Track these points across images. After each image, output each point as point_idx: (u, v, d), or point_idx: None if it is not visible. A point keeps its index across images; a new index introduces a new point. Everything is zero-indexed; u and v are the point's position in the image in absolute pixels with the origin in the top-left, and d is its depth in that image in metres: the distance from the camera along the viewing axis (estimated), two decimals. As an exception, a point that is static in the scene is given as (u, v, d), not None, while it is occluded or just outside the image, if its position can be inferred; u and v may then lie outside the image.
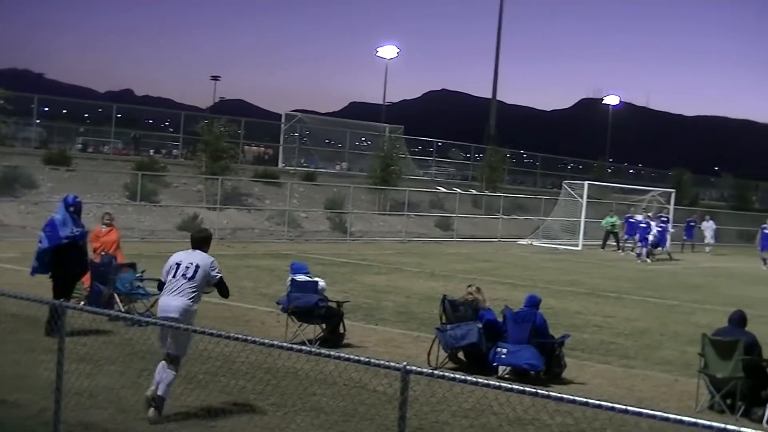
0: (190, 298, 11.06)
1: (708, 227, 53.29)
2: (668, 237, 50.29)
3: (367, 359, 7.37)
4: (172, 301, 11.01)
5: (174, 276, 11.15)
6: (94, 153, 57.26)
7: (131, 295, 17.40)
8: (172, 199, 42.06)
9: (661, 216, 50.46)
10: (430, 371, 7.27)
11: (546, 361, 14.19)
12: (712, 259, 48.60)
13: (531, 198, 60.02)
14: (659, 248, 45.85)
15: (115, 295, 17.09)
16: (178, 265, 11.22)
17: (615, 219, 49.83)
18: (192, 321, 10.93)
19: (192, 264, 11.19)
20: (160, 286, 11.45)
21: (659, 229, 43.97)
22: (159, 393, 10.59)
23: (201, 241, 11.69)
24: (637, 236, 44.21)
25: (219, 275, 11.47)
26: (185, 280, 11.09)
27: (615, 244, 49.31)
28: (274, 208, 44.70)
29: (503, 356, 14.15)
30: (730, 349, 12.89)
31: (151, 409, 10.56)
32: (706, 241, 53.18)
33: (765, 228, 44.56)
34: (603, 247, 49.17)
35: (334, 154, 66.52)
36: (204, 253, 11.46)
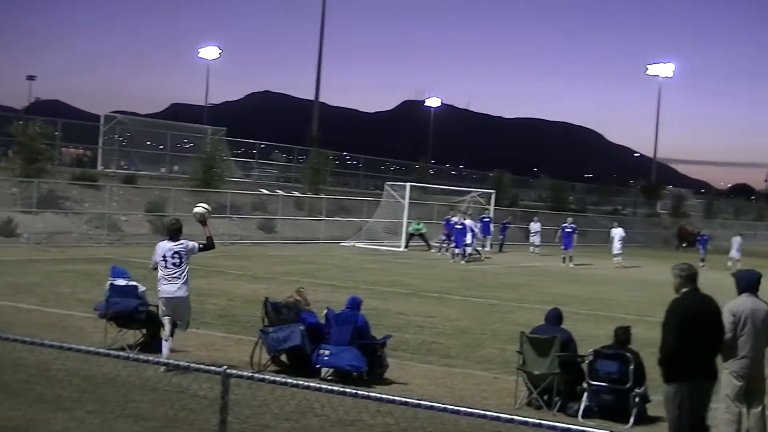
0: (184, 282, 14.50)
1: (534, 227, 54.35)
2: (490, 237, 51.58)
3: (187, 364, 7.32)
4: (172, 288, 14.36)
5: (167, 266, 14.41)
6: None
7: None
8: (-16, 203, 40.65)
9: (483, 217, 51.54)
10: (251, 374, 7.25)
11: (368, 362, 14.28)
12: (532, 258, 49.81)
13: (354, 200, 60.36)
14: (480, 248, 46.96)
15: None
16: (165, 257, 14.47)
17: (421, 226, 50.97)
18: (189, 297, 14.78)
19: (176, 253, 14.46)
20: (155, 266, 14.69)
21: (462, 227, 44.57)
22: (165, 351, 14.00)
23: (176, 232, 14.79)
24: (452, 238, 45.10)
25: (198, 246, 14.76)
26: (176, 268, 14.42)
27: (425, 244, 50.43)
28: (93, 211, 43.67)
29: (326, 358, 14.18)
30: (546, 346, 13.24)
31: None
32: (532, 240, 54.18)
33: (566, 227, 46.02)
34: (407, 247, 49.97)
35: (155, 156, 65.45)
36: (179, 241, 14.61)
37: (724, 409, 11.32)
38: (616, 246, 46.95)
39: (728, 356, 11.26)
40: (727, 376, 11.31)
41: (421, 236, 50.88)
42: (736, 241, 51.39)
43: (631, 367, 12.62)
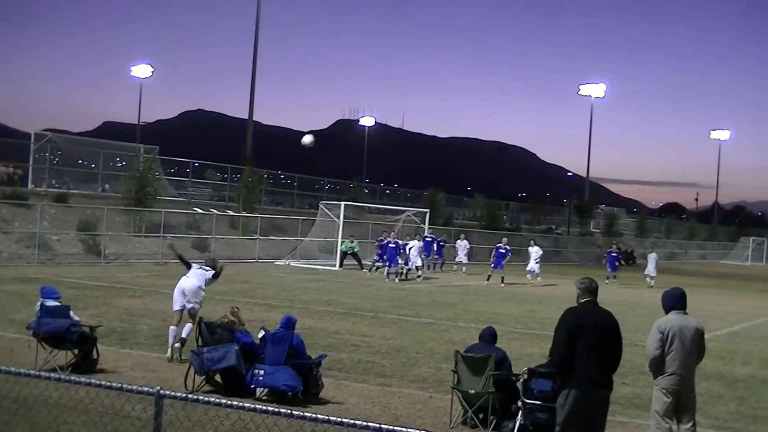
0: (200, 287, 18.12)
1: (461, 246, 54.42)
2: (429, 257, 51.47)
3: (120, 385, 7.23)
4: (188, 283, 18.11)
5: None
6: None
7: None
8: None
9: (426, 237, 51.53)
10: (184, 395, 7.19)
11: (303, 382, 14.25)
12: (467, 277, 49.88)
13: (288, 219, 60.20)
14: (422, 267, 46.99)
15: None
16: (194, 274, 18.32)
17: (354, 244, 51.01)
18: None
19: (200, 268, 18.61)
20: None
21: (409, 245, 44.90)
22: (182, 335, 17.40)
23: (213, 265, 19.02)
24: (386, 256, 45.15)
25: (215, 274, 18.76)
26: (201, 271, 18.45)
27: (357, 263, 50.48)
28: (24, 230, 43.01)
29: (260, 378, 14.12)
30: (481, 365, 13.27)
31: (177, 345, 17.31)
32: (458, 259, 54.19)
33: (500, 247, 46.18)
34: (341, 266, 49.97)
35: (88, 175, 64.74)
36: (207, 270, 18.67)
37: (654, 425, 11.51)
38: (532, 264, 47.16)
39: (657, 373, 11.46)
40: (657, 393, 11.50)
41: (354, 255, 50.92)
42: (653, 258, 52.18)
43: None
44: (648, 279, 50.99)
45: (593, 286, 10.99)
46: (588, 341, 10.43)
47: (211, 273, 18.48)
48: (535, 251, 47.41)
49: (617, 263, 52.94)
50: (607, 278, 49.92)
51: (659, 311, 11.83)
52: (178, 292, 17.94)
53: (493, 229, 78.07)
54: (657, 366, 11.50)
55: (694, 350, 11.50)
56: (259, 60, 75.53)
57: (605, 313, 10.89)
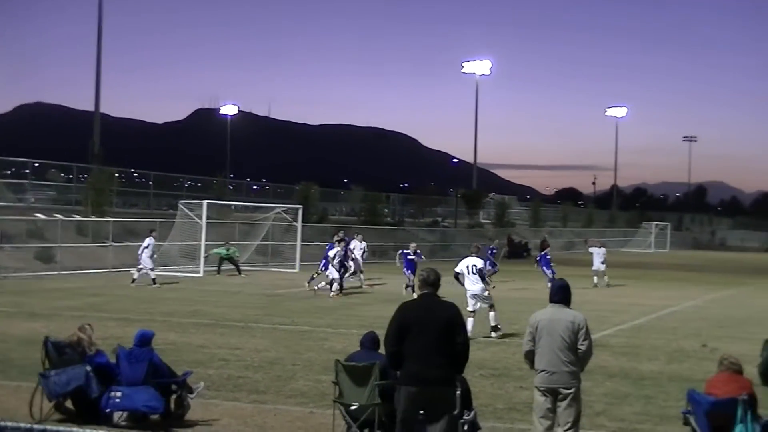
0: (481, 285, 25.60)
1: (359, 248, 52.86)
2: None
3: (-47, 418, 7.07)
4: (473, 287, 25.53)
5: (468, 273, 25.57)
6: None
7: None
8: None
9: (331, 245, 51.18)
10: (29, 426, 7.05)
11: (166, 403, 14.09)
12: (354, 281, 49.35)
13: (144, 221, 59.40)
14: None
15: None
16: (468, 267, 25.71)
17: (232, 250, 50.75)
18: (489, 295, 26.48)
19: (474, 266, 25.80)
20: (456, 277, 25.94)
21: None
22: (493, 323, 25.95)
23: (478, 252, 27.49)
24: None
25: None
26: (473, 274, 25.54)
27: (235, 268, 50.09)
28: None
29: (117, 400, 13.90)
30: (364, 374, 13.21)
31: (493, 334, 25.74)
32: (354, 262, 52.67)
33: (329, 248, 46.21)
34: (218, 272, 49.68)
35: None
36: (479, 258, 26.50)
37: (532, 430, 11.87)
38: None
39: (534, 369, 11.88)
40: (534, 393, 11.89)
41: (231, 260, 50.48)
42: (599, 252, 49.01)
43: (458, 392, 12.74)
44: (595, 278, 48.58)
45: (431, 278, 11.26)
46: (413, 336, 10.78)
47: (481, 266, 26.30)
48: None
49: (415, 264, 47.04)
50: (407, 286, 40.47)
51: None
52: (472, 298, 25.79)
53: (374, 224, 78.22)
54: (531, 362, 11.99)
55: (566, 345, 11.75)
56: (105, 45, 74.49)
57: (441, 306, 11.14)
